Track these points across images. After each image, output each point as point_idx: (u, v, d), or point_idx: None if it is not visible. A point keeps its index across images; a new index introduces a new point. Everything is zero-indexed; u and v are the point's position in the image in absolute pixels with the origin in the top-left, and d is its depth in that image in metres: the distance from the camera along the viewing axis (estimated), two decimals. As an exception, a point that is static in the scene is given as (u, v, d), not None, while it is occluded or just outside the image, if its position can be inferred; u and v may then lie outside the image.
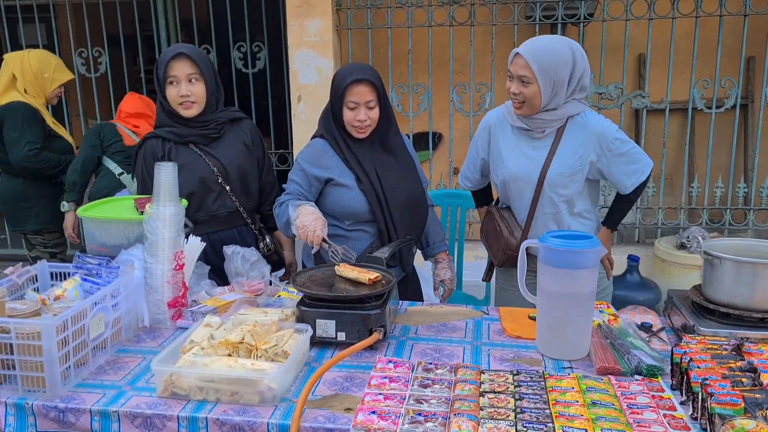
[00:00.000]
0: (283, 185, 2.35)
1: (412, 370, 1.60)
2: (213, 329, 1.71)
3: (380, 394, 1.48)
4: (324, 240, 2.07)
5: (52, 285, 1.95)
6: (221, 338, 1.63)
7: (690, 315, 1.82)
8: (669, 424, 1.34)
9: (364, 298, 1.79)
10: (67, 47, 4.82)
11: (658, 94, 4.13)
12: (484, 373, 1.58)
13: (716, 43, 3.90)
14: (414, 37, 4.21)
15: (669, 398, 1.46)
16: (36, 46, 3.98)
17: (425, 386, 1.51)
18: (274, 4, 4.69)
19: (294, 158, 4.31)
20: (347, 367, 1.67)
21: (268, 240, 2.57)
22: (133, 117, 3.33)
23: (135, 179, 2.49)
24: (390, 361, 1.65)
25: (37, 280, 1.96)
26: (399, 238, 2.24)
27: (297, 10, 4.06)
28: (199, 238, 2.09)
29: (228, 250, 2.23)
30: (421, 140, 4.45)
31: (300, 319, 1.79)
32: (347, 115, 2.18)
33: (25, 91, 3.32)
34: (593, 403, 1.42)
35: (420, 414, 1.38)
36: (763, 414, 1.26)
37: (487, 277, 2.62)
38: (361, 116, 2.16)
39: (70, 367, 1.58)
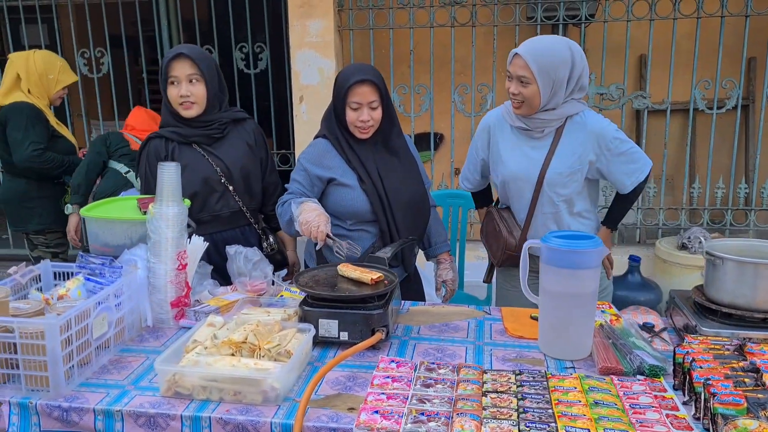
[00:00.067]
0: (286, 185, 2.35)
1: (415, 370, 1.60)
2: (216, 329, 1.72)
3: (383, 393, 1.48)
4: (328, 235, 2.08)
5: (56, 285, 1.95)
6: (224, 338, 1.63)
7: (692, 315, 1.83)
8: (672, 424, 1.35)
9: (367, 298, 1.79)
10: (69, 48, 4.82)
11: (660, 95, 4.13)
12: (486, 372, 1.59)
13: (717, 43, 3.90)
14: (416, 37, 4.22)
15: (671, 398, 1.46)
16: (38, 47, 3.98)
17: (428, 386, 1.52)
18: (275, 5, 4.70)
19: (296, 158, 4.32)
20: (350, 366, 1.67)
21: (271, 239, 2.58)
22: (139, 132, 3.34)
23: (139, 179, 2.49)
24: (392, 361, 1.65)
25: (40, 279, 1.96)
26: (401, 239, 2.24)
27: (299, 10, 4.06)
28: (202, 238, 2.09)
29: (231, 249, 2.23)
30: (423, 141, 4.45)
31: (303, 319, 1.79)
32: (350, 115, 2.18)
33: (29, 91, 3.33)
34: (596, 403, 1.42)
35: (423, 413, 1.39)
36: (766, 414, 1.27)
37: (487, 278, 2.62)
38: (364, 117, 2.16)
39: (73, 366, 1.59)
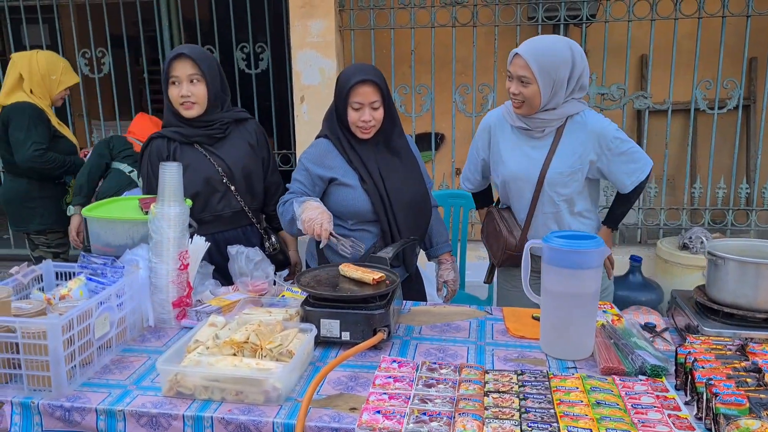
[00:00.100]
0: (287, 185, 2.35)
1: (417, 370, 1.60)
2: (217, 329, 1.72)
3: (385, 393, 1.48)
4: (331, 233, 2.07)
5: (57, 285, 1.95)
6: (226, 338, 1.63)
7: (694, 315, 1.83)
8: (674, 424, 1.35)
9: (369, 298, 1.79)
10: (70, 48, 4.83)
11: (661, 95, 4.13)
12: (488, 372, 1.59)
13: (719, 43, 3.90)
14: (417, 37, 4.22)
15: (673, 398, 1.46)
16: (39, 47, 4.00)
17: (430, 386, 1.52)
18: (276, 5, 4.70)
19: (297, 159, 4.33)
20: (351, 366, 1.67)
21: (273, 239, 2.58)
22: (142, 137, 3.34)
23: (141, 179, 2.50)
24: (394, 361, 1.65)
25: (42, 279, 1.96)
26: (402, 239, 2.24)
27: (300, 10, 4.06)
28: (204, 238, 2.09)
29: (232, 250, 2.23)
30: (424, 141, 4.45)
31: (304, 319, 1.79)
32: (352, 115, 2.18)
33: (31, 91, 3.33)
34: (597, 402, 1.42)
35: (425, 413, 1.39)
36: (768, 414, 1.27)
37: (488, 279, 2.62)
38: (366, 117, 2.16)
39: (75, 366, 1.59)
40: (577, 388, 1.49)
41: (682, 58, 4.02)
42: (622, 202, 2.34)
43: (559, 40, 2.18)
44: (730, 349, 1.59)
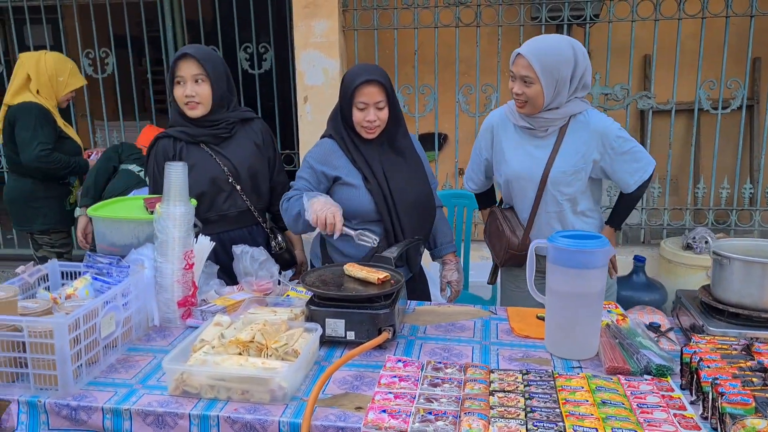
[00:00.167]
0: (291, 182, 2.35)
1: (422, 370, 1.61)
2: (223, 328, 1.72)
3: (390, 393, 1.48)
4: (345, 225, 2.07)
5: (63, 284, 1.96)
6: (231, 337, 1.63)
7: (699, 315, 1.83)
8: (679, 423, 1.35)
9: (373, 298, 1.79)
10: (74, 48, 4.83)
11: (664, 95, 4.13)
12: (493, 372, 1.59)
13: (722, 43, 3.90)
14: (420, 38, 4.22)
15: (679, 398, 1.46)
16: (43, 47, 4.00)
17: (435, 385, 1.52)
18: (280, 5, 4.70)
19: (300, 159, 4.33)
20: (357, 366, 1.68)
21: (279, 239, 2.58)
22: None
23: (148, 178, 2.51)
24: (399, 360, 1.65)
25: (47, 279, 1.97)
26: (406, 239, 2.25)
27: (303, 11, 4.07)
28: (209, 238, 2.10)
29: (237, 249, 2.24)
30: (427, 141, 4.44)
31: (309, 319, 1.79)
32: (356, 115, 2.18)
33: (38, 92, 3.33)
34: (603, 402, 1.42)
35: (430, 412, 1.39)
36: (774, 413, 1.27)
37: (492, 280, 2.62)
38: (371, 117, 2.17)
39: (81, 365, 1.59)
40: (583, 387, 1.49)
41: (686, 58, 4.02)
42: (626, 202, 2.34)
43: (561, 39, 2.18)
44: (735, 349, 1.59)
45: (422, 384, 1.53)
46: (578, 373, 1.60)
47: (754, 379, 1.41)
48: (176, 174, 1.92)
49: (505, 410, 1.39)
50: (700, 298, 1.89)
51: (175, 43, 4.69)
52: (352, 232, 2.08)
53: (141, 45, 4.75)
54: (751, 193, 4.11)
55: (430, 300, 2.45)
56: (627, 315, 1.94)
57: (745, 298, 1.76)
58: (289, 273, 2.50)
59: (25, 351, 1.53)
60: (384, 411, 1.40)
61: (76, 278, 1.93)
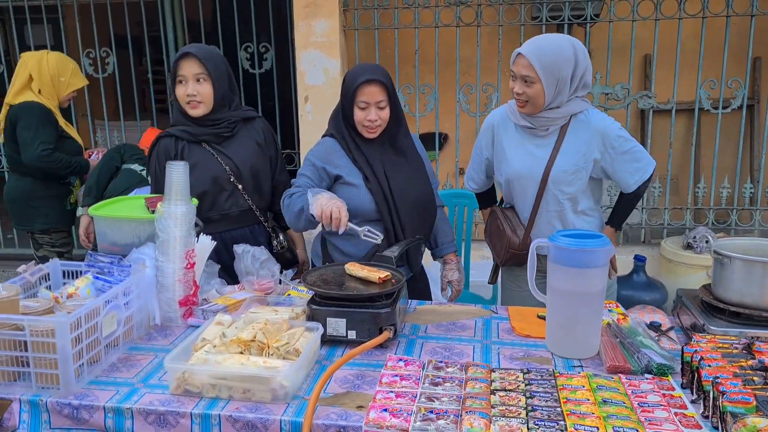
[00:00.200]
0: (292, 180, 2.35)
1: (423, 369, 1.61)
2: (224, 327, 1.72)
3: (391, 392, 1.49)
4: (350, 221, 2.07)
5: (64, 283, 1.96)
6: (233, 336, 1.64)
7: (700, 314, 1.83)
8: (680, 422, 1.35)
9: (375, 297, 1.79)
10: (74, 48, 4.83)
11: (665, 95, 4.13)
12: (494, 371, 1.59)
13: (723, 43, 3.90)
14: (421, 37, 4.22)
15: (680, 397, 1.46)
16: (43, 47, 3.99)
17: (436, 384, 1.52)
18: (280, 5, 4.70)
19: (300, 159, 4.33)
20: (358, 365, 1.68)
21: (281, 238, 2.58)
22: None
23: (150, 177, 2.51)
24: (400, 360, 1.66)
25: (49, 278, 1.97)
26: (407, 238, 2.25)
27: (304, 10, 4.07)
28: (210, 237, 2.10)
29: (238, 248, 2.24)
30: (428, 141, 4.43)
31: (311, 318, 1.80)
32: (358, 115, 2.19)
33: (40, 91, 3.34)
34: (604, 401, 1.42)
35: (432, 411, 1.39)
36: (775, 412, 1.27)
37: (492, 279, 2.62)
38: (372, 116, 2.17)
39: (83, 364, 1.60)
40: (584, 386, 1.49)
41: (686, 58, 4.02)
42: (626, 202, 2.35)
43: (561, 39, 2.18)
44: (736, 348, 1.59)
45: (423, 383, 1.53)
46: (579, 372, 1.61)
47: (754, 378, 1.41)
48: (178, 173, 1.92)
49: (506, 409, 1.39)
50: (700, 297, 1.89)
51: (176, 42, 4.69)
52: (357, 228, 2.08)
53: (141, 45, 4.75)
54: (751, 192, 4.11)
55: (431, 299, 2.45)
56: (628, 314, 1.94)
57: (745, 297, 1.76)
58: (291, 272, 2.50)
59: (26, 350, 1.54)
60: (385, 410, 1.40)
61: (77, 277, 1.93)
